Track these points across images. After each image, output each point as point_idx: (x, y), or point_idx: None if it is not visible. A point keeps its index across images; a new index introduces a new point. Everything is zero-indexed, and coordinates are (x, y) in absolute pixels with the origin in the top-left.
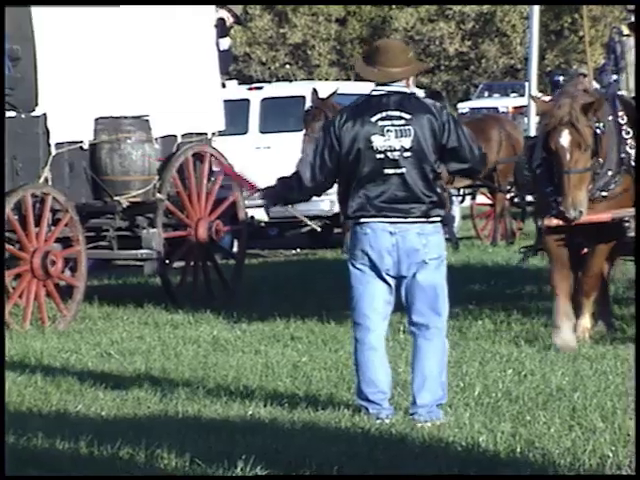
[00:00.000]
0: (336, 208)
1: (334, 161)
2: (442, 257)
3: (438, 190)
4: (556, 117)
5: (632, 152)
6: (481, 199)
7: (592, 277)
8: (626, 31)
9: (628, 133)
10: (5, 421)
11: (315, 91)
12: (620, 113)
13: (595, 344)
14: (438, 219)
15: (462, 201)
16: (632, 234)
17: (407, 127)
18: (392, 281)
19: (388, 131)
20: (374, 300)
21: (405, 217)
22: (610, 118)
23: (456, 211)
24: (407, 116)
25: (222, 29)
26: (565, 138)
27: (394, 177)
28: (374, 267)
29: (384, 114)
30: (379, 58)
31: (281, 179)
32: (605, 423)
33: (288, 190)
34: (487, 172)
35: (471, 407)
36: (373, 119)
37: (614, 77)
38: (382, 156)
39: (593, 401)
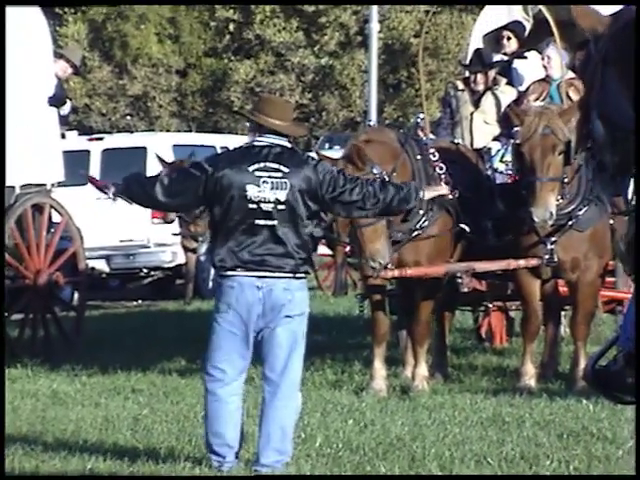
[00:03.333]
0: (178, 259)
1: (194, 195)
2: (305, 313)
3: (309, 246)
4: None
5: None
6: (323, 250)
7: (421, 326)
8: (461, 86)
9: (442, 169)
10: None
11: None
12: (431, 150)
13: (434, 394)
14: (305, 275)
15: None
16: (465, 289)
17: (284, 180)
18: (252, 335)
19: (264, 182)
20: (231, 353)
21: (273, 272)
22: (419, 157)
23: None
24: (285, 169)
25: (59, 97)
26: None
27: (265, 229)
28: (237, 320)
29: (262, 165)
30: (265, 108)
31: (139, 177)
32: (443, 472)
33: (140, 189)
34: (328, 223)
35: (312, 458)
36: (250, 168)
37: (421, 116)
38: (255, 206)
39: (432, 450)
